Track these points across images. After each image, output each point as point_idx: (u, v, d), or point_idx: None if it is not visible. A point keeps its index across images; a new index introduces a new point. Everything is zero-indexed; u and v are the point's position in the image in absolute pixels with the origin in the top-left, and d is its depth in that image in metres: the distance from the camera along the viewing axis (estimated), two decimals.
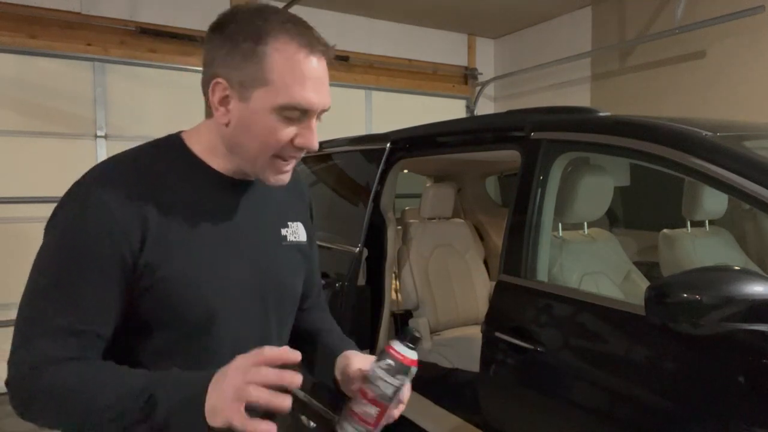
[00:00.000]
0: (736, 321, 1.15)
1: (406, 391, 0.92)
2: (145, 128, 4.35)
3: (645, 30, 4.67)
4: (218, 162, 0.93)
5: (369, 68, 5.43)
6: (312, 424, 2.68)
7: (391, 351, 0.85)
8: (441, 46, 5.91)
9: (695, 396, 1.24)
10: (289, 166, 0.92)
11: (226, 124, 0.89)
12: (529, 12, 5.36)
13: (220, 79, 0.87)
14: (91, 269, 0.82)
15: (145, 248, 0.84)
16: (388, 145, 2.49)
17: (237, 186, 0.95)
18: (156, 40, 4.46)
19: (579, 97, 5.22)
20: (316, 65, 0.86)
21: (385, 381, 0.84)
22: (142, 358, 0.88)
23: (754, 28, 3.92)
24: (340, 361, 1.01)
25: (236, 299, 0.93)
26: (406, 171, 3.10)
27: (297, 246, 1.05)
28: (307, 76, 0.85)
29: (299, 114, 0.86)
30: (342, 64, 5.12)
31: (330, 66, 0.90)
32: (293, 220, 1.06)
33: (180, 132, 0.97)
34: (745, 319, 1.14)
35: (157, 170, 0.90)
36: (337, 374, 1.01)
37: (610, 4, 4.98)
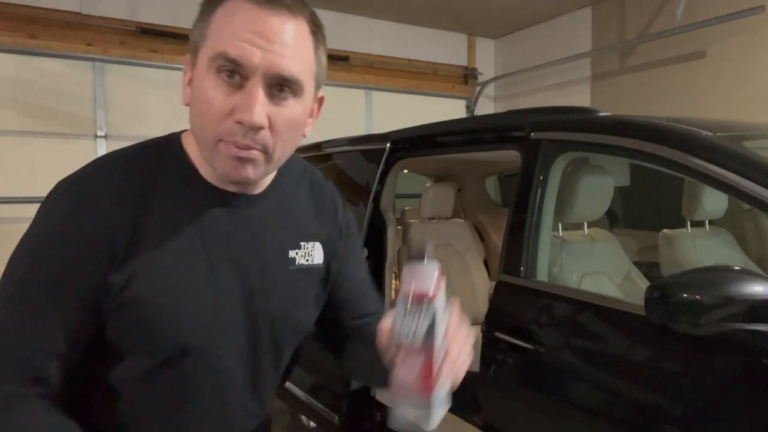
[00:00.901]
0: (736, 321, 1.15)
1: (452, 329, 0.70)
2: (145, 128, 4.35)
3: (645, 30, 4.67)
4: (209, 170, 0.81)
5: (369, 68, 5.43)
6: (312, 424, 2.68)
7: (401, 285, 0.69)
8: (441, 46, 5.91)
9: (695, 396, 1.24)
10: (239, 153, 0.74)
11: (188, 105, 0.78)
12: (529, 12, 5.36)
13: (187, 54, 0.78)
14: (56, 285, 0.73)
15: (113, 264, 0.74)
16: (388, 145, 2.49)
17: (235, 200, 0.83)
18: (156, 40, 4.46)
19: (579, 97, 5.22)
20: (263, 20, 0.72)
21: (405, 323, 0.65)
22: (118, 384, 0.79)
23: (754, 28, 3.92)
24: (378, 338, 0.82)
25: (217, 332, 0.81)
26: (406, 171, 3.10)
27: (309, 270, 0.91)
28: (245, 27, 0.71)
29: (235, 72, 0.71)
30: (342, 64, 5.12)
31: (325, 54, 0.79)
32: (309, 240, 0.91)
33: (182, 132, 0.87)
34: (745, 319, 1.14)
35: (146, 175, 0.79)
36: (379, 351, 0.80)
37: (610, 4, 4.98)
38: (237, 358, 0.84)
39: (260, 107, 0.72)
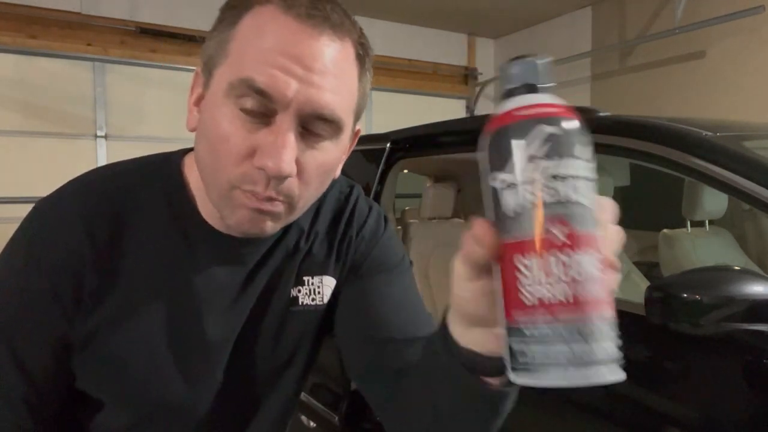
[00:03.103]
0: (736, 321, 1.15)
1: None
2: (145, 128, 4.35)
3: (645, 30, 4.67)
4: (206, 203, 0.66)
5: None
6: (312, 424, 2.68)
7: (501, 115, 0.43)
8: (441, 46, 5.91)
9: (695, 396, 1.24)
10: (259, 206, 0.58)
11: (194, 131, 0.63)
12: (529, 12, 5.36)
13: (198, 69, 0.63)
14: (26, 328, 0.63)
15: (80, 309, 0.63)
16: (388, 145, 2.48)
17: (236, 246, 0.68)
18: (156, 40, 4.46)
19: (579, 97, 5.22)
20: (301, 39, 0.56)
21: (525, 175, 0.39)
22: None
23: (754, 28, 3.92)
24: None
25: (201, 390, 0.70)
26: (406, 171, 3.10)
27: (310, 310, 0.75)
28: (277, 44, 0.55)
29: (260, 106, 0.56)
30: None
31: (359, 63, 0.62)
32: (317, 274, 0.74)
33: (187, 152, 0.71)
34: (745, 319, 1.14)
35: (126, 207, 0.65)
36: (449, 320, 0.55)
37: (610, 4, 4.98)
38: (224, 414, 0.73)
39: (290, 152, 0.56)
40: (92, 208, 0.64)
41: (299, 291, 0.73)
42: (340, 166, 0.69)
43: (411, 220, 3.15)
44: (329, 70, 0.57)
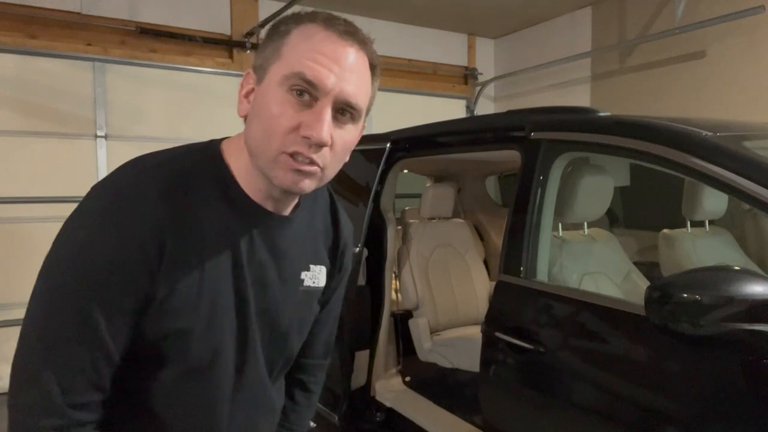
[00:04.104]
0: (736, 321, 1.15)
1: None
2: (145, 128, 4.35)
3: (645, 30, 4.67)
4: (248, 181, 0.84)
5: None
6: (312, 424, 2.68)
7: None
8: (441, 46, 5.91)
9: (695, 396, 1.24)
10: (299, 166, 0.78)
11: (245, 117, 0.82)
12: (529, 12, 5.36)
13: (249, 70, 0.83)
14: (108, 297, 0.75)
15: (159, 271, 0.77)
16: (388, 145, 2.49)
17: (268, 219, 0.87)
18: (156, 40, 4.46)
19: (579, 97, 5.22)
20: (338, 49, 0.78)
21: None
22: (147, 390, 0.83)
23: (754, 28, 3.92)
24: None
25: (239, 342, 0.87)
26: (406, 171, 3.10)
27: (312, 292, 0.98)
28: (322, 51, 0.77)
29: (306, 90, 0.76)
30: None
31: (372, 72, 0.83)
32: (316, 263, 0.97)
33: (222, 140, 0.89)
34: (745, 319, 1.14)
35: (187, 183, 0.81)
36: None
37: (610, 4, 4.98)
38: (250, 370, 0.91)
39: (328, 126, 0.77)
40: (166, 185, 0.79)
41: (306, 275, 0.95)
42: (352, 149, 0.87)
43: (411, 220, 3.15)
44: (355, 71, 0.79)
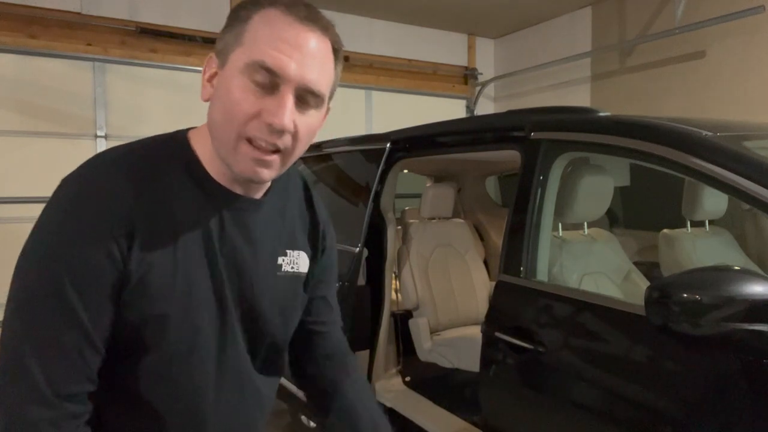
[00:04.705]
0: (736, 321, 1.15)
1: None
2: (145, 128, 4.35)
3: (645, 30, 4.67)
4: (220, 173, 0.85)
5: (369, 68, 5.43)
6: (312, 424, 2.68)
7: None
8: (441, 46, 5.91)
9: (695, 396, 1.24)
10: (260, 155, 0.78)
11: (209, 101, 0.82)
12: (529, 12, 5.36)
13: (212, 54, 0.82)
14: (88, 280, 0.75)
15: (131, 254, 0.77)
16: (388, 145, 2.49)
17: (237, 202, 0.87)
18: (156, 40, 4.46)
19: (579, 97, 5.22)
20: (300, 34, 0.77)
21: None
22: (127, 378, 0.82)
23: (754, 28, 3.92)
24: None
25: (216, 326, 0.86)
26: (406, 171, 3.10)
27: (293, 277, 0.97)
28: (283, 38, 0.76)
29: (268, 79, 0.76)
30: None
31: (336, 59, 0.83)
32: (294, 248, 0.97)
33: (188, 130, 0.90)
34: (745, 319, 1.14)
35: (155, 172, 0.81)
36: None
37: (610, 4, 4.98)
38: (231, 356, 0.90)
39: (290, 113, 0.77)
40: (132, 172, 0.79)
41: (283, 260, 0.95)
42: (317, 133, 0.88)
43: (411, 220, 3.15)
44: (318, 57, 0.79)
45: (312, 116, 0.82)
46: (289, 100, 0.77)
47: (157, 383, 0.84)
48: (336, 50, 0.83)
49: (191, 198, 0.83)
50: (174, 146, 0.86)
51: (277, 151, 0.79)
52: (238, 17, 0.80)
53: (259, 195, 0.90)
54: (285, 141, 0.79)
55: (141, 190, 0.79)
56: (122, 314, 0.79)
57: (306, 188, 1.04)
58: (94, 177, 0.79)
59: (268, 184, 0.92)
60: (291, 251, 0.96)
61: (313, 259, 1.02)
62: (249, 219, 0.89)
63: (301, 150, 0.84)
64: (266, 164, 0.80)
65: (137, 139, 0.88)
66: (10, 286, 0.78)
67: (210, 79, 0.82)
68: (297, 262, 0.97)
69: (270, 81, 0.76)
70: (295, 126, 0.79)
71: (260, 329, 0.93)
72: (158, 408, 0.85)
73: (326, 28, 0.81)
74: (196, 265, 0.83)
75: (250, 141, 0.78)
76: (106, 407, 0.83)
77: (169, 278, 0.80)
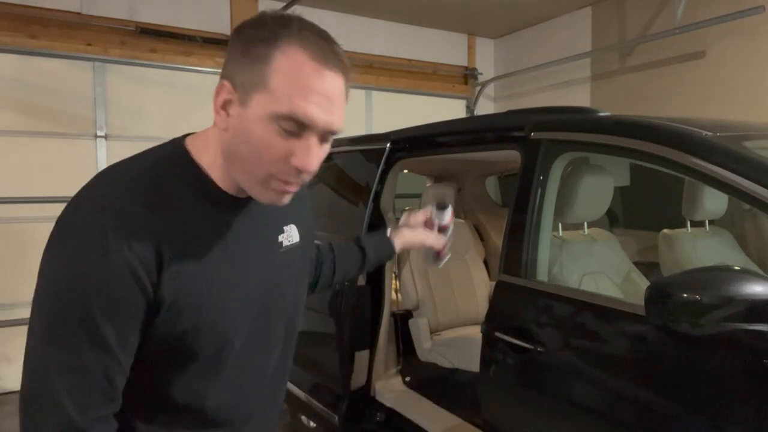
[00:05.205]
0: (736, 321, 1.15)
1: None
2: (145, 128, 4.35)
3: (645, 30, 4.67)
4: (221, 176, 0.87)
5: (369, 68, 5.43)
6: (312, 424, 2.68)
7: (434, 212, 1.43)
8: (441, 46, 5.91)
9: (695, 396, 1.24)
10: (287, 188, 0.83)
11: (225, 130, 0.83)
12: (529, 12, 5.36)
13: (225, 81, 0.81)
14: (117, 309, 0.77)
15: (161, 280, 0.80)
16: (388, 145, 2.49)
17: (241, 202, 0.91)
18: (156, 40, 4.46)
19: (579, 97, 5.22)
20: (326, 80, 0.79)
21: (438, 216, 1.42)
22: (163, 387, 0.87)
23: (754, 28, 3.92)
24: (399, 234, 1.41)
25: (244, 320, 0.92)
26: (406, 171, 3.10)
27: (292, 249, 1.03)
28: (311, 88, 0.78)
29: (297, 128, 0.79)
30: None
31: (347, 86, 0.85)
32: (287, 223, 1.03)
33: (185, 138, 0.91)
34: (745, 319, 1.14)
35: (166, 190, 0.83)
36: (403, 233, 1.42)
37: (610, 4, 4.98)
38: (260, 339, 0.96)
39: (317, 159, 0.82)
40: (150, 198, 0.81)
41: (282, 237, 1.00)
42: None
43: None
44: (339, 100, 0.82)
45: (326, 149, 0.86)
46: (316, 145, 0.81)
47: (190, 386, 0.88)
48: (347, 82, 0.85)
49: (204, 211, 0.86)
50: (178, 162, 0.87)
51: (300, 184, 0.85)
52: (257, 55, 0.78)
53: None
54: (308, 177, 0.84)
55: (159, 215, 0.81)
56: (155, 334, 0.82)
57: None
58: (112, 203, 0.79)
59: None
60: (286, 226, 1.02)
61: (304, 226, 1.08)
62: (250, 212, 0.92)
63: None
64: (290, 194, 0.86)
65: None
66: (31, 312, 0.79)
67: (224, 107, 0.82)
68: (291, 234, 1.03)
69: (298, 129, 0.79)
70: None
71: (287, 307, 1.01)
72: (188, 406, 0.90)
73: (346, 66, 0.83)
74: (220, 273, 0.87)
75: (281, 180, 0.82)
76: (139, 419, 0.87)
77: (199, 294, 0.84)
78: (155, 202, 0.81)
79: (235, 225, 0.90)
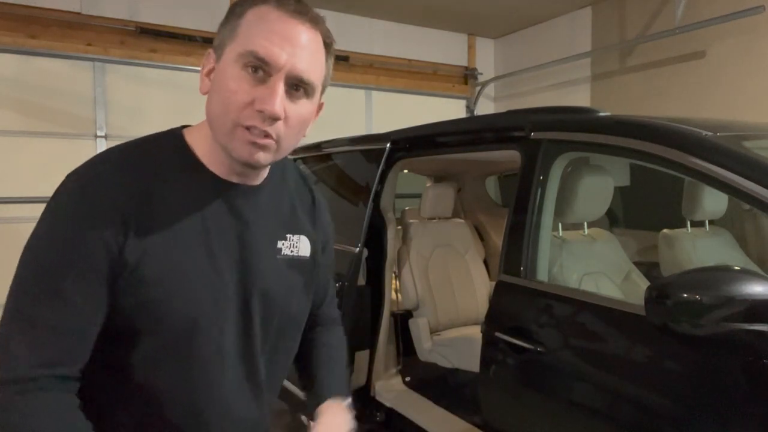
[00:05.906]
0: (736, 321, 1.15)
1: None
2: (145, 128, 4.28)
3: (645, 30, 4.67)
4: (217, 163, 0.89)
5: (369, 68, 5.43)
6: (312, 424, 2.68)
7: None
8: (441, 46, 5.91)
9: (695, 396, 1.24)
10: (253, 138, 0.82)
11: (206, 94, 0.86)
12: (529, 12, 5.36)
13: (210, 50, 0.87)
14: (77, 261, 0.79)
15: (127, 241, 0.81)
16: (388, 145, 2.49)
17: (234, 190, 0.90)
18: (156, 40, 4.46)
19: (579, 97, 5.22)
20: (289, 26, 0.82)
21: None
22: (128, 365, 0.85)
23: (754, 28, 3.92)
24: (317, 411, 1.08)
25: (217, 310, 0.88)
26: (406, 171, 3.10)
27: (293, 261, 0.99)
28: (273, 29, 0.81)
29: (260, 67, 0.80)
30: (342, 64, 5.11)
31: (328, 54, 0.88)
32: (295, 233, 0.99)
33: (183, 127, 0.94)
34: (745, 319, 1.14)
35: (151, 165, 0.86)
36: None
37: (610, 4, 4.98)
38: (234, 340, 0.91)
39: (280, 100, 0.81)
40: (130, 166, 0.84)
41: (283, 244, 0.98)
42: (311, 125, 0.92)
43: (411, 220, 3.15)
44: (308, 49, 0.83)
45: (303, 105, 0.85)
46: (280, 88, 0.81)
47: (155, 370, 0.86)
48: (327, 44, 0.87)
49: (186, 188, 0.87)
50: (169, 140, 0.91)
51: (270, 136, 0.83)
52: (233, 14, 0.84)
53: (256, 183, 0.94)
54: (277, 128, 0.83)
55: (136, 181, 0.83)
56: (118, 300, 0.82)
57: (299, 171, 1.10)
58: (92, 170, 0.84)
59: (266, 173, 0.95)
60: (291, 235, 0.99)
61: (316, 245, 1.04)
62: (245, 205, 0.92)
63: (294, 137, 0.87)
64: (262, 147, 0.84)
65: (138, 136, 0.90)
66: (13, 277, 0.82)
67: (208, 74, 0.87)
68: (297, 245, 1.00)
69: (262, 70, 0.81)
70: (286, 113, 0.83)
71: (268, 312, 0.95)
72: (156, 394, 0.87)
73: (316, 21, 0.85)
74: (193, 253, 0.86)
75: (246, 128, 0.82)
76: (104, 395, 0.86)
77: (165, 265, 0.83)
78: (134, 170, 0.84)
79: (221, 216, 0.89)
